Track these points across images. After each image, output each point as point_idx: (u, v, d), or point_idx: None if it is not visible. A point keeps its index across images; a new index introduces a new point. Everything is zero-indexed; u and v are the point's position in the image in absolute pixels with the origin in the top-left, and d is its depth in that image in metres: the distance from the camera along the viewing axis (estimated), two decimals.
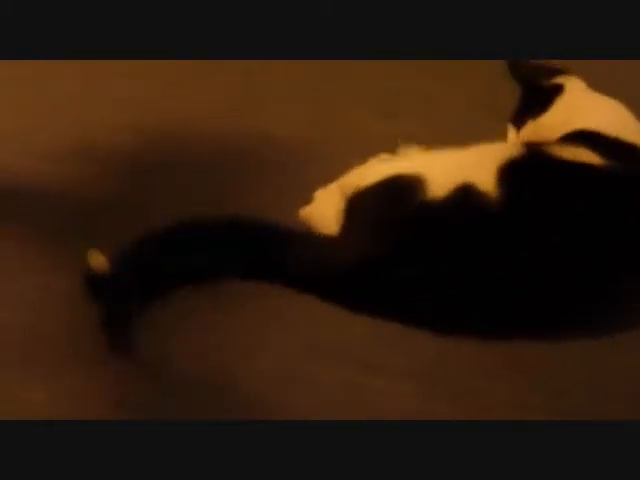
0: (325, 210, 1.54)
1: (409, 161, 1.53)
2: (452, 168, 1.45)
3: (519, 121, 1.69)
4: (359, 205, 1.48)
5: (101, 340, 1.39)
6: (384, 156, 1.70)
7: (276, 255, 1.47)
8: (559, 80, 1.70)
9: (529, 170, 1.45)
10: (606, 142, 1.51)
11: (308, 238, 1.50)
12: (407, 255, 1.40)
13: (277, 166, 1.82)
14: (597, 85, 2.26)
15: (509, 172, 1.43)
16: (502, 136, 1.73)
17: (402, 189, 1.44)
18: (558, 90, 1.67)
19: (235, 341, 1.41)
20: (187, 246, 1.47)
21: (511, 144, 1.54)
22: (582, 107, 1.64)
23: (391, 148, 1.75)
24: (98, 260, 1.43)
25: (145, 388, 1.33)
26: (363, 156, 1.69)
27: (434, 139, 1.64)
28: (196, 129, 1.94)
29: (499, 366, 1.40)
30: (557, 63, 1.75)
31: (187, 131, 1.93)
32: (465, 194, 1.41)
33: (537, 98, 1.68)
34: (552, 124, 1.64)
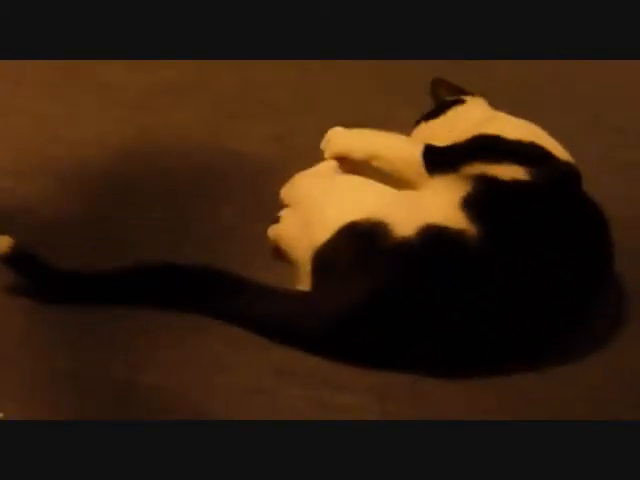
0: (292, 232, 1.52)
1: (362, 204, 1.46)
2: (410, 210, 1.43)
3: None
4: (326, 261, 1.43)
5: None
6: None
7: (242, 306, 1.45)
8: (463, 97, 1.70)
9: (491, 201, 1.42)
10: (511, 147, 1.50)
11: (276, 292, 1.46)
12: (394, 299, 1.37)
13: (241, 183, 1.82)
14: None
15: (475, 207, 1.40)
16: None
17: (366, 234, 1.40)
18: (457, 102, 1.68)
19: (204, 358, 1.42)
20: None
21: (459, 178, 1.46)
22: (475, 117, 1.63)
23: None
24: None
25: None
26: None
27: None
28: (160, 144, 1.93)
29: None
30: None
31: (150, 146, 1.92)
32: (437, 234, 1.38)
33: (437, 108, 1.69)
34: (440, 128, 1.64)
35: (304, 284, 1.46)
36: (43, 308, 1.48)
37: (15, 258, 1.46)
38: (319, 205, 1.49)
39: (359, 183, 1.53)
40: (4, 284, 1.50)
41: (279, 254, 1.55)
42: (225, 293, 1.46)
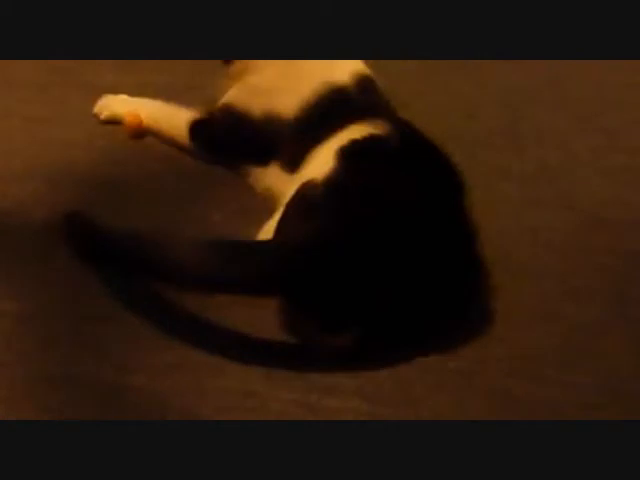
0: None
1: None
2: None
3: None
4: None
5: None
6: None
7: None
8: None
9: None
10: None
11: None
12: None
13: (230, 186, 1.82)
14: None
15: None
16: None
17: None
18: None
19: (194, 361, 1.41)
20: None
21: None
22: None
23: None
24: None
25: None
26: None
27: None
28: (150, 147, 1.92)
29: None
30: None
31: (139, 148, 1.92)
32: None
33: None
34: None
35: None
36: (30, 311, 1.48)
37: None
38: None
39: None
40: None
41: None
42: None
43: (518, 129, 2.02)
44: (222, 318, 1.47)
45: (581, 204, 1.70)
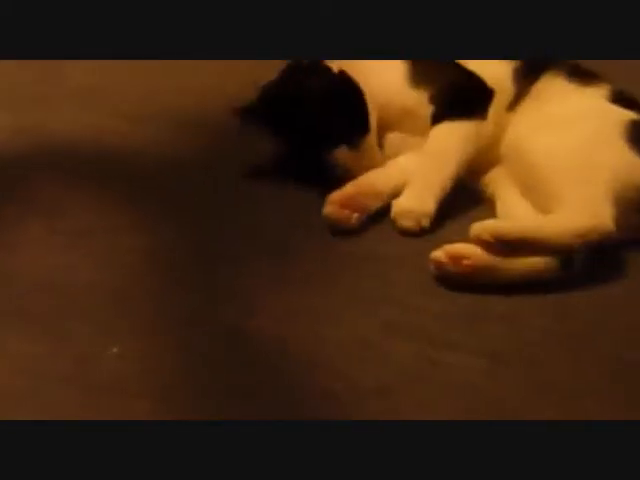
0: None
1: None
2: None
3: None
4: None
5: None
6: None
7: None
8: None
9: None
10: None
11: None
12: None
13: None
14: None
15: None
16: None
17: None
18: None
19: (311, 312, 1.41)
20: None
21: None
22: None
23: None
24: None
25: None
26: None
27: None
28: None
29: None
30: None
31: None
32: None
33: None
34: None
35: None
36: (158, 248, 1.49)
37: None
38: None
39: None
40: None
41: None
42: None
43: None
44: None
45: None
